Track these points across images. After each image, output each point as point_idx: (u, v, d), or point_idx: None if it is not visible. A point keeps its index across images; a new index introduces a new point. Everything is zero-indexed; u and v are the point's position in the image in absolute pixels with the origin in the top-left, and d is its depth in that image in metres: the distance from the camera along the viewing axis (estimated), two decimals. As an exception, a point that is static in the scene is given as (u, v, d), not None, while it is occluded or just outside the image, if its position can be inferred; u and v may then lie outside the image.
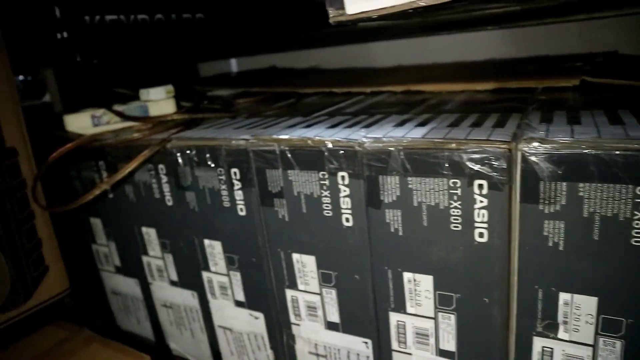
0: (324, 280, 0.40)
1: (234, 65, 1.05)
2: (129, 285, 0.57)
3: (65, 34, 0.51)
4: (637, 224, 0.27)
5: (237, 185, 0.41)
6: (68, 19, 0.51)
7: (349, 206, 0.36)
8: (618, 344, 0.30)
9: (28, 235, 0.50)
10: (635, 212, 0.27)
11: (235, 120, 0.50)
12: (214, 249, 0.45)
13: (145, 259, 0.53)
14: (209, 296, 0.48)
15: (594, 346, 0.31)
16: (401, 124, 0.38)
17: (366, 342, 0.40)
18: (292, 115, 0.49)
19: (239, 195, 0.42)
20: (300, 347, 0.44)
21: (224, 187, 0.42)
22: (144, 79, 0.65)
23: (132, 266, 0.55)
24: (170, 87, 0.58)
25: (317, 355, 0.43)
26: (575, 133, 0.29)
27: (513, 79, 0.50)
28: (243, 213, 0.42)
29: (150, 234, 0.51)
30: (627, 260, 0.28)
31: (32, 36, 0.52)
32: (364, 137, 0.34)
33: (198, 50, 0.84)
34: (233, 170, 0.41)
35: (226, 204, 0.43)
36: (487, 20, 0.64)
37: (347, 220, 0.36)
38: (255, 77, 0.87)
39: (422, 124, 0.37)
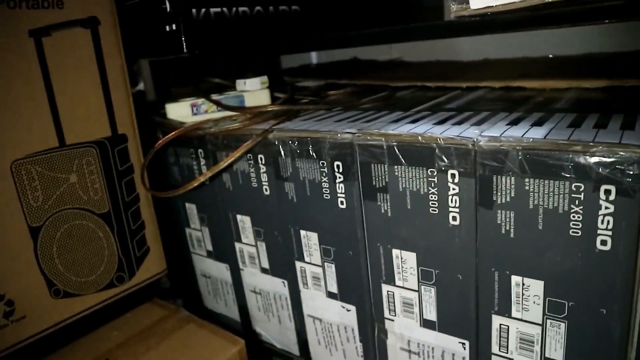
0: (424, 277, 0.39)
1: (313, 56, 1.06)
2: (219, 269, 0.59)
3: (174, 27, 0.53)
4: None
5: (339, 178, 0.42)
6: (177, 12, 0.53)
7: (457, 205, 0.36)
8: None
9: (134, 217, 0.54)
10: None
11: (332, 113, 0.50)
12: (310, 239, 0.46)
13: (238, 245, 0.54)
14: (300, 285, 0.49)
15: None
16: (514, 122, 0.37)
17: (464, 343, 0.39)
18: (390, 109, 0.48)
19: (340, 188, 0.42)
20: (392, 343, 0.44)
21: (325, 179, 0.43)
22: (232, 70, 0.67)
23: (224, 251, 0.57)
24: (265, 78, 0.60)
25: (410, 352, 0.43)
26: None
27: (626, 76, 0.47)
28: (343, 206, 0.42)
29: (244, 221, 0.52)
30: None
31: (145, 29, 0.54)
32: (479, 135, 0.34)
33: (288, 42, 0.85)
34: (336, 163, 0.41)
35: (326, 196, 0.43)
36: (593, 13, 0.60)
37: (454, 219, 0.36)
38: (339, 69, 0.87)
39: (538, 124, 0.35)
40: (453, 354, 0.40)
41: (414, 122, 0.41)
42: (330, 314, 0.48)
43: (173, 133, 0.52)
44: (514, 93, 0.51)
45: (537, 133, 0.33)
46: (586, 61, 0.64)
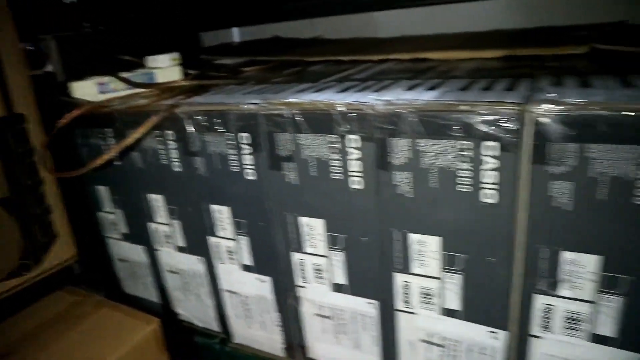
0: (332, 243, 0.40)
1: (236, 35, 1.05)
2: (135, 252, 0.57)
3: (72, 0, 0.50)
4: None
5: (246, 149, 0.42)
6: (74, -17, 0.50)
7: (360, 169, 0.36)
8: (619, 300, 0.31)
9: (37, 201, 0.51)
10: (638, 173, 0.28)
11: (243, 87, 0.50)
12: (222, 214, 0.46)
13: (152, 225, 0.53)
14: (216, 261, 0.49)
15: (595, 302, 0.32)
16: (411, 88, 0.38)
17: (371, 303, 0.41)
18: (301, 82, 0.49)
19: (247, 159, 0.42)
20: (306, 309, 0.45)
21: (232, 151, 0.42)
22: (147, 48, 0.65)
23: (139, 233, 0.55)
24: (176, 55, 0.58)
25: (322, 316, 0.44)
26: (586, 95, 0.30)
27: (522, 47, 0.50)
28: (252, 177, 0.42)
29: (157, 200, 0.51)
30: (630, 219, 0.29)
31: (41, 3, 0.51)
32: (375, 99, 0.35)
33: (201, 18, 0.83)
34: (242, 134, 0.41)
35: (235, 168, 0.43)
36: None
37: (357, 183, 0.37)
38: (259, 47, 0.87)
39: (432, 88, 0.37)
40: (363, 315, 0.42)
41: (318, 91, 0.41)
42: (246, 287, 0.48)
43: (74, 111, 0.49)
44: (421, 64, 0.53)
45: (429, 96, 0.34)
46: (493, 35, 0.68)
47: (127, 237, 0.57)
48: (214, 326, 0.54)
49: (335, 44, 0.78)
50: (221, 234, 0.47)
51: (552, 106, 0.29)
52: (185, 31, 0.89)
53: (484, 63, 0.49)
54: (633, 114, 0.27)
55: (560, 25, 0.69)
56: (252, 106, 0.40)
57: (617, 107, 0.28)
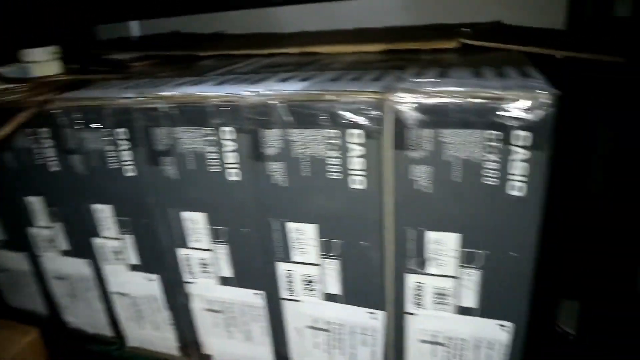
0: (215, 236, 0.40)
1: (136, 29, 1.01)
2: (16, 260, 0.54)
3: None
4: (489, 165, 0.30)
5: (124, 145, 0.40)
6: None
7: (236, 161, 0.37)
8: (477, 273, 0.33)
9: None
10: (486, 154, 0.30)
11: (125, 82, 0.48)
12: (104, 213, 0.44)
13: (31, 230, 0.50)
14: (102, 263, 0.47)
15: (458, 277, 0.34)
16: (285, 79, 0.38)
17: (258, 294, 0.41)
18: (185, 76, 0.48)
19: (126, 155, 0.41)
20: (196, 305, 0.45)
21: (110, 148, 0.41)
22: (33, 42, 0.61)
23: (18, 239, 0.52)
24: (55, 48, 0.55)
25: (213, 311, 0.44)
26: (440, 85, 0.32)
27: (401, 41, 0.53)
28: (132, 174, 0.41)
29: (35, 203, 0.48)
30: (481, 198, 0.31)
31: None
32: (246, 91, 0.35)
33: (96, 10, 0.79)
34: (119, 130, 0.40)
35: (114, 165, 0.42)
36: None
37: (234, 175, 0.37)
38: (156, 42, 0.84)
39: (305, 79, 0.38)
40: (251, 306, 0.42)
41: (196, 84, 0.41)
42: (135, 287, 0.47)
43: None
44: (308, 58, 0.54)
45: (299, 87, 0.35)
46: (383, 32, 0.70)
47: (4, 245, 0.53)
48: (107, 331, 0.52)
49: (234, 39, 0.77)
50: (105, 234, 0.45)
51: (408, 95, 0.31)
52: (76, 24, 0.85)
53: (364, 56, 0.50)
54: (477, 100, 0.29)
55: (447, 23, 0.73)
56: (127, 100, 0.39)
57: (464, 95, 0.30)
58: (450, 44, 0.49)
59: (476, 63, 0.39)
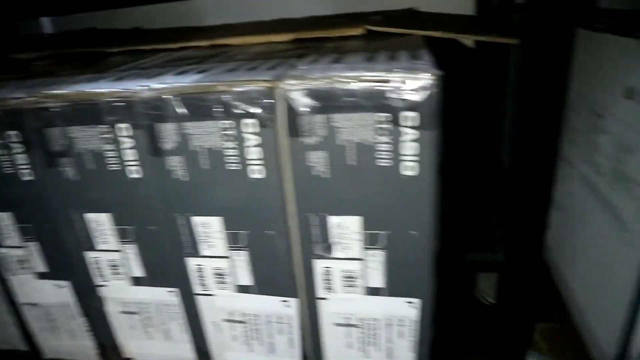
0: (122, 236, 0.39)
1: (49, 27, 0.97)
2: None
3: None
4: (383, 147, 0.31)
5: (18, 148, 0.38)
6: None
7: (135, 157, 0.36)
8: (381, 254, 0.34)
9: None
10: (378, 136, 0.31)
11: (22, 82, 0.46)
12: (3, 221, 0.42)
13: None
14: (7, 274, 0.45)
15: (363, 259, 0.35)
16: (182, 73, 0.38)
17: (172, 291, 0.40)
18: (87, 73, 0.46)
19: (21, 159, 0.39)
20: (111, 309, 0.43)
21: (2, 152, 0.39)
22: None
23: None
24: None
25: (129, 313, 0.43)
26: (329, 70, 0.32)
27: (310, 30, 0.53)
28: (29, 178, 0.39)
29: None
30: (377, 179, 0.32)
31: None
32: (139, 86, 0.34)
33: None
34: (10, 132, 0.38)
35: (9, 170, 0.39)
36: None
37: (135, 172, 0.36)
38: (68, 39, 0.80)
39: (202, 72, 0.37)
40: (166, 304, 0.41)
41: (92, 81, 0.39)
42: (45, 296, 0.45)
43: None
44: (217, 50, 0.53)
45: (193, 79, 0.34)
46: (302, 22, 0.70)
47: None
48: (20, 345, 0.50)
49: (150, 35, 0.75)
50: (7, 242, 0.43)
51: (298, 81, 0.31)
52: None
53: (274, 46, 0.50)
54: (363, 84, 0.30)
55: (366, 11, 0.75)
56: (17, 101, 0.37)
57: (350, 78, 0.30)
58: (356, 31, 0.49)
59: (375, 48, 0.40)
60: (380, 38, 0.47)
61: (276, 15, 0.80)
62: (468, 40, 0.66)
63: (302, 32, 0.52)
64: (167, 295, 0.41)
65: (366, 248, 0.35)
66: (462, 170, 0.82)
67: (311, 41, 0.50)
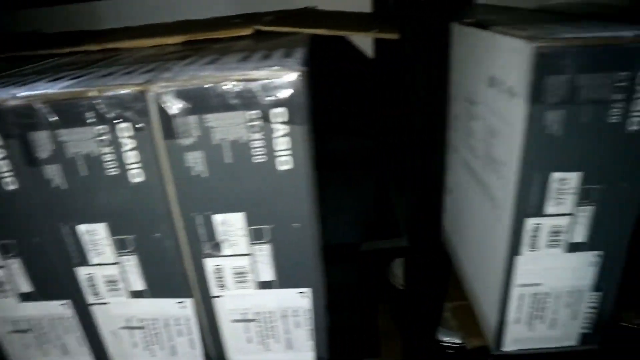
0: (5, 251, 0.38)
1: None
2: None
3: None
4: (257, 144, 0.32)
5: None
6: None
7: (10, 168, 0.35)
8: (268, 247, 0.35)
9: None
10: (252, 134, 0.32)
11: None
12: None
13: None
14: None
15: (251, 254, 0.36)
16: (57, 79, 0.37)
17: (64, 304, 0.40)
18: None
19: None
20: (1, 329, 0.42)
21: None
22: None
23: None
24: None
25: (20, 331, 0.42)
26: (202, 71, 0.33)
27: (203, 32, 0.53)
28: None
29: None
30: (256, 177, 0.33)
31: None
32: (8, 94, 0.33)
33: None
34: None
35: None
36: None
37: (10, 183, 0.35)
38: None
39: (77, 77, 0.37)
40: (60, 318, 0.40)
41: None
42: None
43: None
44: (107, 54, 0.52)
45: (64, 85, 0.34)
46: (202, 23, 0.70)
47: None
48: None
49: (46, 38, 0.72)
50: None
51: (168, 84, 0.31)
52: None
53: (163, 49, 0.50)
54: (232, 83, 0.31)
55: (261, 11, 0.75)
56: None
57: (218, 79, 0.31)
58: (246, 31, 0.50)
59: (258, 48, 0.41)
60: (269, 38, 0.48)
61: (178, 18, 0.80)
62: (355, 36, 0.69)
63: (193, 34, 0.52)
64: (60, 309, 0.40)
65: (253, 243, 0.36)
66: (367, 164, 0.86)
67: (202, 42, 0.50)
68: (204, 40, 0.51)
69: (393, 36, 0.48)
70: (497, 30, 0.38)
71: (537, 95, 0.33)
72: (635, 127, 0.34)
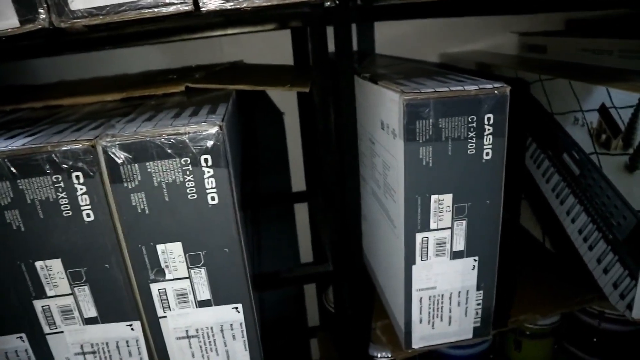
0: (-35, 291, 0.42)
1: None
2: None
3: None
4: (189, 184, 0.39)
5: None
6: None
7: (-28, 217, 0.40)
8: (202, 270, 0.42)
9: None
10: (185, 176, 0.39)
11: None
12: None
13: None
14: None
15: (190, 277, 0.43)
16: (13, 136, 0.43)
17: (20, 336, 0.44)
18: None
19: None
20: (-41, 364, 0.45)
21: None
22: None
23: None
24: None
25: (-21, 365, 0.45)
26: (142, 127, 0.40)
27: (139, 88, 0.60)
28: None
29: None
30: (190, 211, 0.40)
31: None
32: (-29, 153, 0.39)
33: None
34: None
35: None
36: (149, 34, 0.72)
37: (-28, 230, 0.40)
38: None
39: (32, 134, 0.43)
40: (15, 351, 0.45)
41: None
42: None
43: None
44: (52, 111, 0.58)
45: (23, 142, 0.40)
46: (137, 77, 0.77)
47: None
48: None
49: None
50: None
51: (114, 139, 0.38)
52: None
53: (104, 105, 0.57)
54: (166, 137, 0.38)
55: (196, 65, 0.83)
56: None
57: (155, 134, 0.38)
58: (178, 88, 0.58)
59: (188, 104, 0.49)
60: (199, 93, 0.56)
61: (114, 70, 0.86)
62: (271, 90, 0.78)
63: (131, 91, 0.59)
64: (15, 342, 0.44)
65: (190, 267, 0.42)
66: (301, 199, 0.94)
67: (138, 99, 0.57)
68: (141, 97, 0.58)
69: (305, 89, 0.57)
70: (383, 84, 0.48)
71: (410, 135, 0.43)
72: (488, 157, 0.45)
